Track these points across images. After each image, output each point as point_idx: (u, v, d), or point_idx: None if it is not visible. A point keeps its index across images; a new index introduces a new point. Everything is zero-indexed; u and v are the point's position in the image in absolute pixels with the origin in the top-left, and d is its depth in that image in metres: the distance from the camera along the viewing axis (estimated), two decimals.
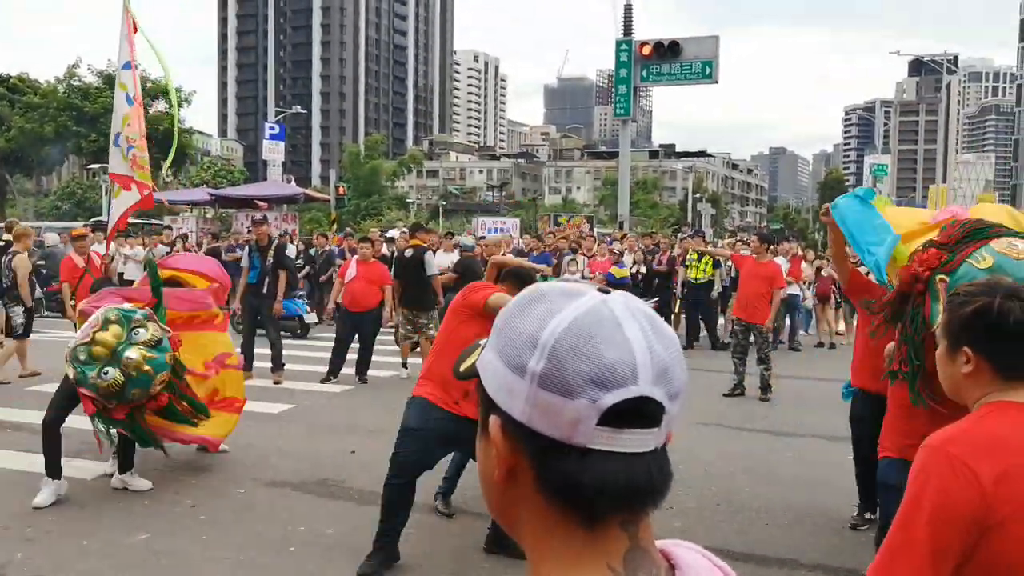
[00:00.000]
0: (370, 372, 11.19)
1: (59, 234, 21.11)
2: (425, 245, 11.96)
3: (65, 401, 6.23)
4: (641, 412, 0.81)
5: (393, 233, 18.24)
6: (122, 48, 7.68)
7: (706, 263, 14.90)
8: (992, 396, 1.99)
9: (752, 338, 10.62)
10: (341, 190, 32.56)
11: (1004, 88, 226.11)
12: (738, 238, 11.51)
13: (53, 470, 6.15)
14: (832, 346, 15.89)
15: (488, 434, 0.86)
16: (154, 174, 9.11)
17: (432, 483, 6.65)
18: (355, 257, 11.54)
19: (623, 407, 0.80)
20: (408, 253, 11.56)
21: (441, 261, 13.65)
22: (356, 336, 11.19)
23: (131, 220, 16.72)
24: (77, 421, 6.97)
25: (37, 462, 6.37)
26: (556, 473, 0.82)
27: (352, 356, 11.11)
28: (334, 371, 11.05)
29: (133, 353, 5.71)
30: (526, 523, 0.87)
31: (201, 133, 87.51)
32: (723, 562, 0.92)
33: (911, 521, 1.85)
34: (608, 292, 0.86)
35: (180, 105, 48.28)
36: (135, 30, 7.71)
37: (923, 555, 1.82)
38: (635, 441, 0.81)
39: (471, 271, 11.94)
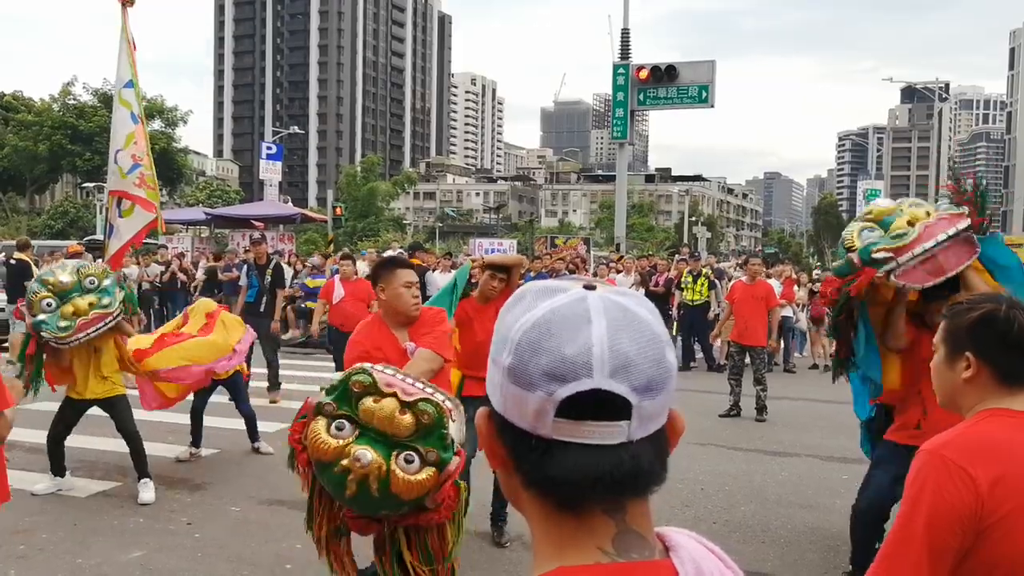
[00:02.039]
0: None
1: (50, 253, 21.07)
2: (424, 265, 11.97)
3: (71, 418, 6.59)
4: (601, 405, 0.83)
5: (390, 254, 18.27)
6: (121, 66, 7.67)
7: (701, 285, 14.95)
8: (989, 403, 2.04)
9: (748, 359, 10.67)
10: (339, 211, 32.60)
11: (994, 116, 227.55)
12: (744, 259, 11.54)
13: (58, 470, 6.65)
14: (827, 368, 15.87)
15: None
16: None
17: None
18: (337, 277, 11.26)
19: (579, 400, 0.83)
20: None
21: (439, 281, 13.66)
22: None
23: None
24: (72, 439, 6.95)
25: (30, 480, 6.36)
26: (526, 463, 0.87)
27: None
28: None
29: (80, 301, 6.16)
30: (527, 508, 0.91)
31: (197, 153, 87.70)
32: (722, 551, 0.94)
33: (909, 523, 1.90)
34: (593, 288, 0.89)
35: (175, 125, 48.48)
36: (134, 48, 7.71)
37: (921, 555, 1.86)
38: (599, 433, 0.84)
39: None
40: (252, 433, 8.30)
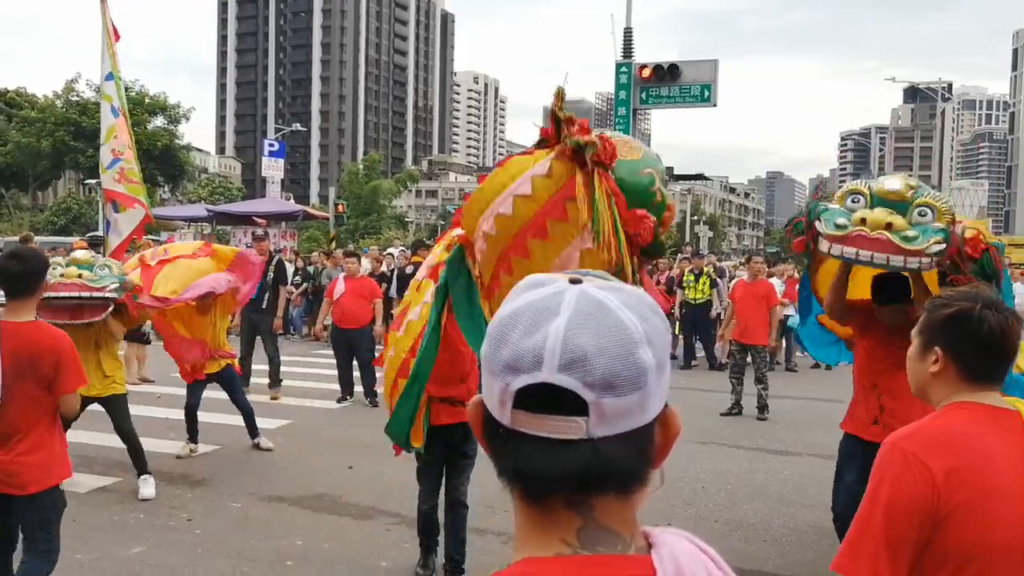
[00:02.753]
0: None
1: (52, 249, 21.04)
2: None
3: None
4: (554, 399, 0.83)
5: (392, 251, 18.27)
6: (104, 58, 7.65)
7: (703, 283, 14.94)
8: (955, 397, 2.08)
9: (750, 358, 10.66)
10: (340, 208, 32.56)
11: (997, 116, 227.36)
12: (747, 257, 11.53)
13: None
14: (828, 367, 15.87)
15: None
16: (150, 190, 9.14)
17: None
18: (342, 274, 11.22)
19: (533, 392, 0.83)
20: (409, 270, 11.54)
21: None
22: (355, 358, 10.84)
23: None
24: (73, 435, 6.93)
25: None
26: (493, 452, 0.90)
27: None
28: (347, 391, 10.83)
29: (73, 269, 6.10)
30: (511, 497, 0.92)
31: (199, 150, 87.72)
32: (713, 550, 0.92)
33: (869, 514, 1.95)
34: (579, 281, 0.88)
35: (177, 122, 48.44)
36: (117, 38, 7.68)
37: (879, 546, 1.92)
38: (554, 427, 0.84)
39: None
40: (251, 428, 8.25)
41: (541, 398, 0.83)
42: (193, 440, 7.98)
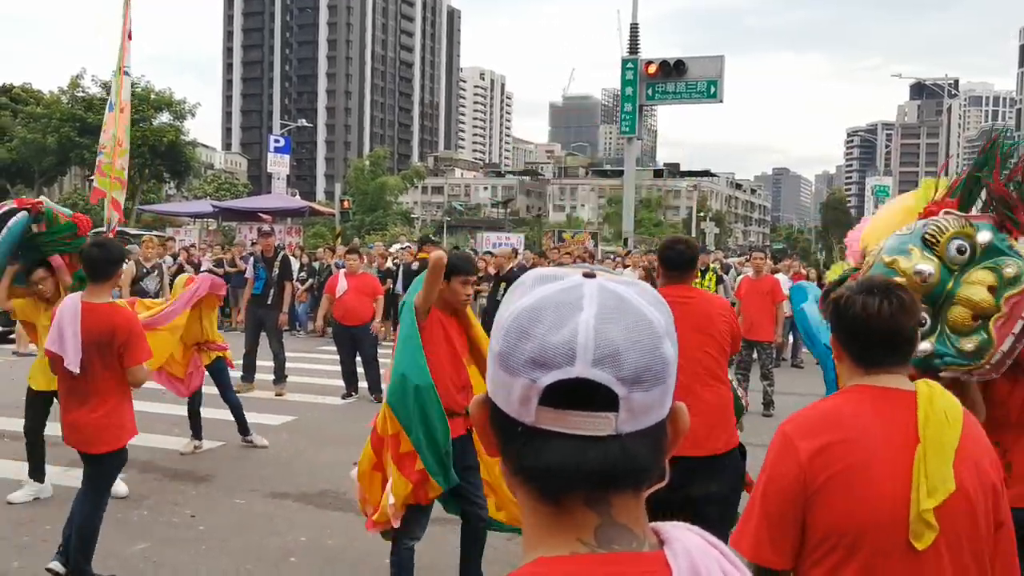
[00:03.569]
0: None
1: None
2: None
3: (42, 407, 6.42)
4: (585, 395, 0.81)
5: (397, 247, 18.28)
6: (121, 52, 7.67)
7: (709, 279, 14.88)
8: (852, 381, 2.15)
9: (755, 355, 10.63)
10: (346, 204, 32.60)
11: (1003, 112, 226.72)
12: (753, 256, 11.50)
13: (37, 473, 6.40)
14: None
15: None
16: (156, 187, 9.09)
17: None
18: (343, 271, 11.18)
19: (563, 388, 0.81)
20: (415, 266, 11.53)
21: None
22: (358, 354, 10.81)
23: (134, 231, 16.61)
24: None
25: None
26: (510, 451, 0.87)
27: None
28: (351, 387, 10.79)
29: None
30: (518, 496, 0.90)
31: (205, 146, 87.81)
32: (723, 544, 0.91)
33: (755, 493, 2.10)
34: (592, 276, 0.87)
35: (183, 118, 48.46)
36: (129, 37, 7.70)
37: (760, 522, 2.05)
38: (583, 424, 0.82)
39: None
40: (241, 425, 8.13)
41: (572, 394, 0.82)
42: (197, 437, 7.95)
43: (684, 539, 0.88)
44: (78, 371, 4.53)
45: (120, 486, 6.37)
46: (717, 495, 4.03)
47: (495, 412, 0.88)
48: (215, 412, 8.45)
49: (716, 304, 4.43)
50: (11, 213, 5.89)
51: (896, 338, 2.09)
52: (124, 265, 5.06)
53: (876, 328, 2.07)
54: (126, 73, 7.79)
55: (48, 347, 4.64)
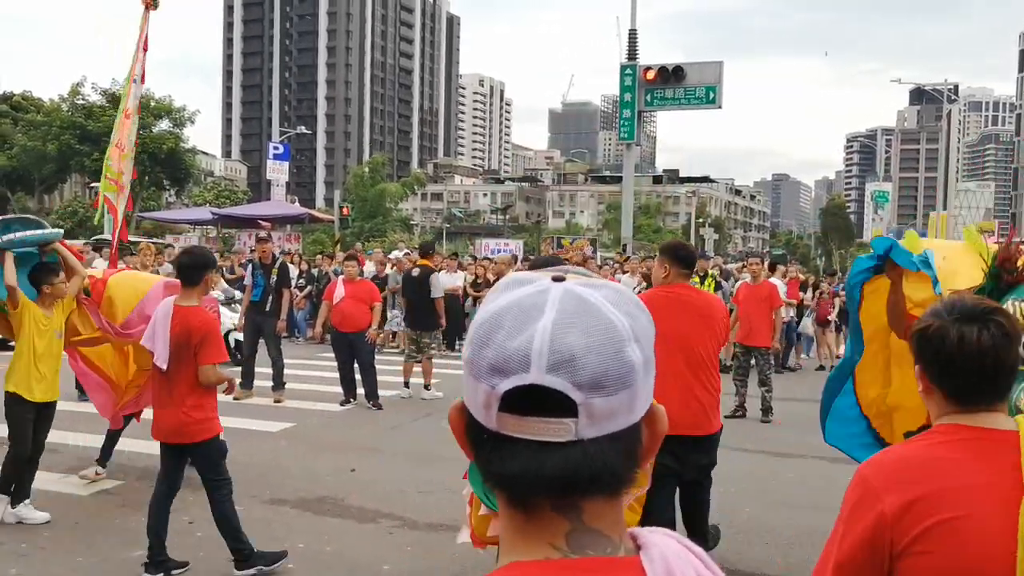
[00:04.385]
0: None
1: None
2: (432, 266, 11.96)
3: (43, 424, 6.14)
4: (542, 401, 0.81)
5: (396, 254, 18.28)
6: (133, 62, 7.69)
7: (708, 285, 14.88)
8: (944, 419, 1.90)
9: (753, 360, 10.63)
10: (345, 210, 32.63)
11: (1004, 117, 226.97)
12: (749, 261, 11.45)
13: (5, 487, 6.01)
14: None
15: None
16: (156, 194, 9.07)
17: (426, 501, 6.62)
18: (341, 277, 11.17)
19: (521, 394, 0.81)
20: (415, 273, 11.51)
21: (445, 282, 13.61)
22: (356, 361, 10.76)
23: (132, 238, 16.55)
24: (73, 437, 6.95)
25: (35, 478, 6.34)
26: (480, 457, 0.87)
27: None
28: (349, 394, 10.76)
29: None
30: (497, 501, 0.89)
31: (204, 153, 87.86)
32: (703, 551, 0.91)
33: (831, 539, 1.87)
34: (562, 279, 0.86)
35: (182, 125, 48.51)
36: (146, 48, 7.72)
37: (836, 571, 1.82)
38: (543, 430, 0.82)
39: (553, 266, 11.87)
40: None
41: (529, 400, 0.81)
42: (102, 463, 7.07)
43: (661, 544, 0.87)
44: (165, 367, 4.97)
45: (40, 514, 6.02)
46: (709, 466, 5.00)
47: (469, 418, 0.88)
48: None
49: (715, 302, 5.19)
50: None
51: (998, 372, 1.84)
52: (212, 271, 5.31)
53: (975, 361, 1.82)
54: (135, 82, 7.80)
55: (143, 343, 5.15)
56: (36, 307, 5.97)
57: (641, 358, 0.84)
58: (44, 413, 6.08)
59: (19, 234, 5.94)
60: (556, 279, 0.87)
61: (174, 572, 5.14)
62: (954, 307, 1.90)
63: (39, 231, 6.11)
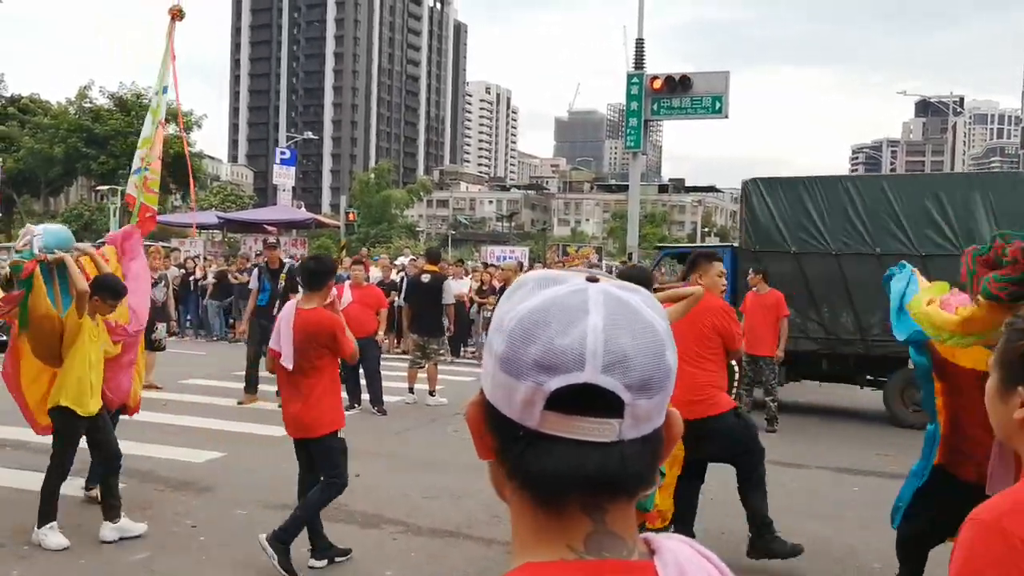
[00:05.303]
0: None
1: None
2: (443, 273, 11.95)
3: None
4: (592, 400, 0.81)
5: (402, 260, 18.30)
6: (162, 73, 7.69)
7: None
8: None
9: (759, 370, 10.59)
10: (351, 216, 32.65)
11: (1009, 130, 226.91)
12: (751, 277, 11.30)
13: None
14: None
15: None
16: (162, 197, 9.07)
17: (431, 507, 6.60)
18: (347, 282, 11.13)
19: (570, 393, 0.81)
20: (425, 279, 11.45)
21: (453, 288, 13.60)
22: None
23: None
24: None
25: (35, 480, 6.31)
26: (510, 454, 0.85)
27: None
28: (354, 399, 10.67)
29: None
30: (510, 500, 0.89)
31: (211, 158, 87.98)
32: (715, 556, 0.90)
33: None
34: (596, 280, 0.86)
35: (190, 129, 48.63)
36: (174, 58, 7.73)
37: None
38: (588, 429, 0.82)
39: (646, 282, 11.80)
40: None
41: (578, 399, 0.81)
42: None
43: (675, 549, 0.87)
44: (291, 367, 5.26)
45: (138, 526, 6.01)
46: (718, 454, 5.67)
47: (493, 415, 0.86)
48: (216, 423, 8.47)
49: (714, 302, 5.71)
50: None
51: None
52: (334, 278, 5.63)
53: None
54: (165, 92, 7.80)
55: (271, 346, 5.44)
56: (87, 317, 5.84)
57: (675, 362, 0.85)
58: (96, 424, 5.92)
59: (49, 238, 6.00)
60: (590, 279, 0.87)
61: (337, 559, 5.44)
62: None
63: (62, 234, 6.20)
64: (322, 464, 5.42)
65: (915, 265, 4.84)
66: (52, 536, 5.59)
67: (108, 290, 5.88)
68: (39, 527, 5.62)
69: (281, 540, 5.19)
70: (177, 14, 7.59)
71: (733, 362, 14.86)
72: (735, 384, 10.23)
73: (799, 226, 11.26)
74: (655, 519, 5.10)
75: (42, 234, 6.06)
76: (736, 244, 12.54)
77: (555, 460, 0.82)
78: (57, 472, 5.77)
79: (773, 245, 11.39)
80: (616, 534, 0.85)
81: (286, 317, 5.35)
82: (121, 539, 5.73)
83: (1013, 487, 1.53)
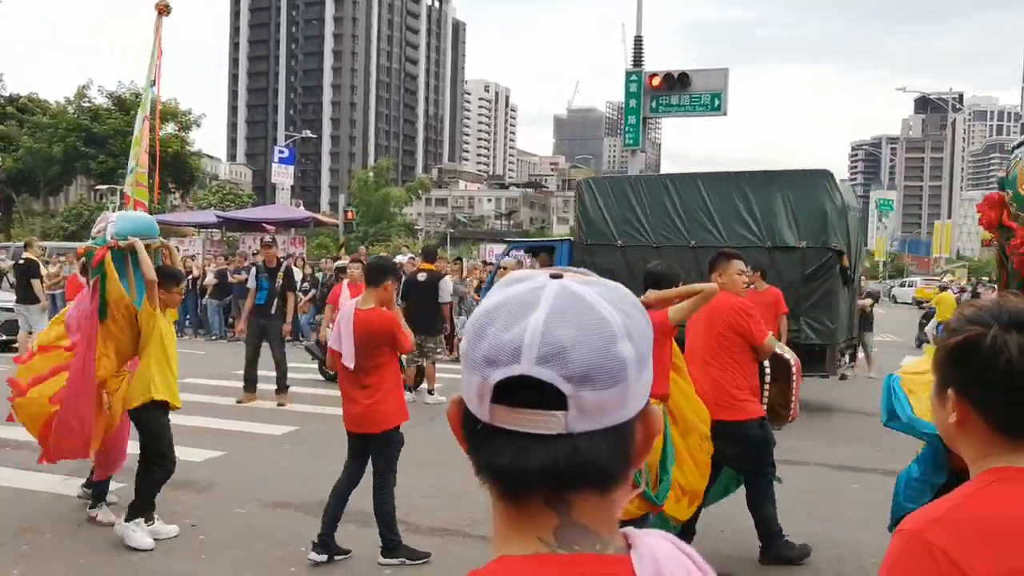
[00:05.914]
0: None
1: (60, 254, 21.03)
2: (440, 271, 11.95)
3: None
4: (532, 393, 0.82)
5: (400, 258, 18.28)
6: (151, 67, 7.69)
7: None
8: (994, 460, 1.44)
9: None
10: (350, 215, 32.68)
11: (1008, 127, 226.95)
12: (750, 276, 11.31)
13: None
14: (843, 377, 15.75)
15: None
16: (161, 196, 9.06)
17: (429, 505, 6.61)
18: (345, 281, 11.17)
19: (512, 386, 0.82)
20: (421, 277, 11.47)
21: (450, 287, 13.61)
22: None
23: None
24: None
25: (36, 480, 6.34)
26: (472, 449, 0.88)
27: None
28: None
29: None
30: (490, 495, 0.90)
31: (210, 157, 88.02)
32: (695, 552, 0.90)
33: None
34: (560, 276, 0.88)
35: (188, 128, 48.61)
36: (160, 54, 7.73)
37: None
38: (534, 422, 0.83)
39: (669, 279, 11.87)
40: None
41: (520, 392, 0.82)
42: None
43: (653, 544, 0.87)
44: (352, 366, 5.32)
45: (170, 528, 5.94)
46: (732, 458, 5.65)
47: (464, 411, 0.89)
48: (216, 422, 8.47)
49: (728, 300, 5.68)
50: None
51: None
52: (393, 277, 5.64)
53: None
54: (151, 87, 7.81)
55: (331, 346, 5.49)
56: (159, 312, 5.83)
57: (634, 355, 0.84)
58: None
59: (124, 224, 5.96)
60: (554, 276, 0.88)
61: (336, 558, 5.49)
62: (1002, 311, 1.45)
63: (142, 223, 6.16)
64: (379, 457, 5.51)
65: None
66: (140, 533, 5.61)
67: (166, 276, 5.93)
68: (129, 520, 5.64)
69: (390, 547, 5.45)
70: (163, 9, 7.58)
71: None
72: (765, 386, 10.01)
73: (625, 221, 12.16)
74: (683, 498, 5.22)
75: (116, 221, 6.02)
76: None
77: (504, 453, 0.83)
78: (166, 471, 5.89)
79: (603, 239, 12.27)
80: (586, 527, 0.86)
81: (346, 318, 5.43)
82: (120, 539, 5.72)
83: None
